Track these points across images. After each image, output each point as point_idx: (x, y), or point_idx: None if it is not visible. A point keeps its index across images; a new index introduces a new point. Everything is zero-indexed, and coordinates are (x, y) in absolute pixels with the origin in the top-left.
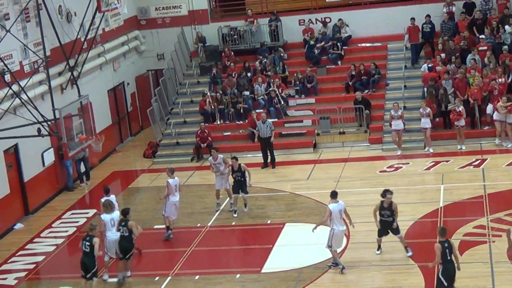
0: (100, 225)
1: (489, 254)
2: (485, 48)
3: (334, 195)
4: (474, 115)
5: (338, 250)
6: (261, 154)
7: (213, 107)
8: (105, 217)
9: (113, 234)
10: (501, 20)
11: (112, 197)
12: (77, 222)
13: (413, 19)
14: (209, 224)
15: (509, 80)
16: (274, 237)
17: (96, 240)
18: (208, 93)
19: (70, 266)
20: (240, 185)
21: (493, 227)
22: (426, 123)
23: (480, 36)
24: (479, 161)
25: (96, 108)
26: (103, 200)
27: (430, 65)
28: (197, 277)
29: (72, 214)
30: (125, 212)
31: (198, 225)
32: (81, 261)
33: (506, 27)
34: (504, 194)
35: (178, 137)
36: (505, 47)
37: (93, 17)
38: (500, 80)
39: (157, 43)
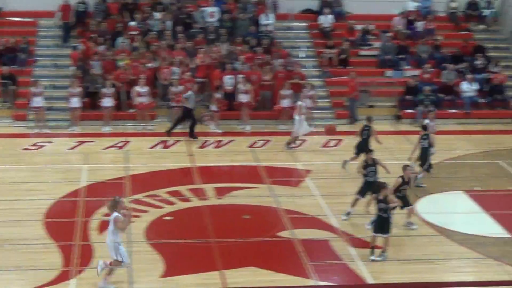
0: None
1: (129, 234)
2: (136, 32)
3: None
4: (120, 98)
5: None
6: None
7: None
8: None
9: None
10: (152, 6)
11: None
12: None
13: None
14: None
15: (156, 65)
16: None
17: None
18: None
19: None
20: None
21: (133, 207)
22: (75, 102)
23: (131, 21)
24: (124, 143)
25: None
26: None
27: (77, 45)
28: None
29: None
30: None
31: None
32: None
33: (155, 13)
34: (144, 176)
35: None
36: (154, 33)
37: None
38: (149, 65)
39: None
